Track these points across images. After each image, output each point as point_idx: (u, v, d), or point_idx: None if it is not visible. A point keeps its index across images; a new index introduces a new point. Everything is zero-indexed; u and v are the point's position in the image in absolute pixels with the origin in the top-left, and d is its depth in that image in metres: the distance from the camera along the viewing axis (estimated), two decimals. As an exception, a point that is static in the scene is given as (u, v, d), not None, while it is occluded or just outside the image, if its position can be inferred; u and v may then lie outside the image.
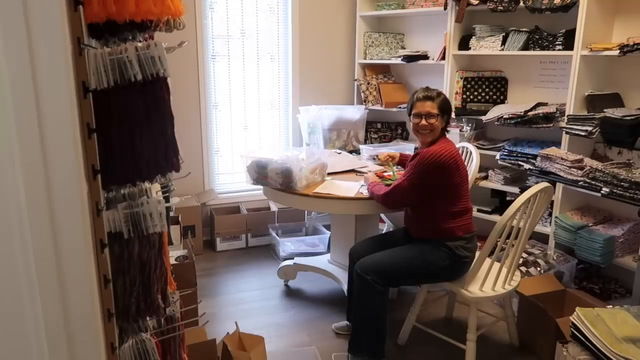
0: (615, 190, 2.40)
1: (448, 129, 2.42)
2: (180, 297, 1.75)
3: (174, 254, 2.68)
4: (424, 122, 2.30)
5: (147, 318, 1.50)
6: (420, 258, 2.29)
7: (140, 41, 1.49)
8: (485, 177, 3.39)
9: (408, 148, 3.29)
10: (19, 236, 0.88)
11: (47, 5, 0.92)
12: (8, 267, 0.87)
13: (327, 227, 3.82)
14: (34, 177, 0.92)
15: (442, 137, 2.34)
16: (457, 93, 3.49)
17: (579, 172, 2.59)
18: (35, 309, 0.93)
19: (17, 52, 0.87)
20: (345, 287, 2.84)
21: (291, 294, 3.21)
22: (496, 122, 3.15)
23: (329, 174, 2.89)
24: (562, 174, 2.67)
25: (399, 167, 2.87)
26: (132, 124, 1.29)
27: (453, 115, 2.92)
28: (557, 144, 2.93)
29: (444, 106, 2.32)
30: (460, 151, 2.45)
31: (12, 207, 0.86)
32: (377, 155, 3.02)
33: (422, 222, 2.35)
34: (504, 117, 3.08)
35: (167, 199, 1.67)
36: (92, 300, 1.09)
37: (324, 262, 3.22)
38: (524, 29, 3.11)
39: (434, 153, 2.21)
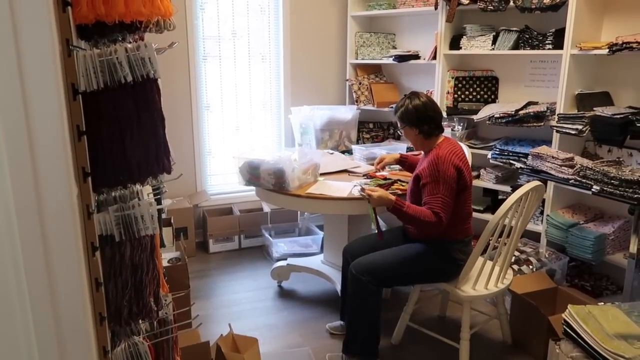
0: (605, 188, 2.42)
1: (443, 131, 2.37)
2: (173, 300, 1.74)
3: (166, 256, 2.67)
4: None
5: (140, 321, 1.49)
6: (415, 260, 2.29)
7: (130, 42, 1.48)
8: (477, 176, 3.40)
9: (400, 148, 3.29)
10: (8, 240, 0.87)
11: (35, 6, 0.91)
12: (-3, 272, 0.85)
13: (320, 228, 3.82)
14: (23, 180, 0.91)
15: (444, 140, 2.32)
16: (448, 93, 3.51)
17: (570, 170, 2.61)
18: (25, 313, 0.92)
19: (4, 54, 0.86)
20: (338, 287, 2.84)
21: (285, 294, 3.21)
22: (487, 121, 3.16)
23: (322, 174, 2.89)
24: (553, 172, 2.69)
25: (391, 170, 2.83)
26: (122, 126, 1.28)
27: (445, 115, 2.89)
28: (548, 142, 2.95)
29: (404, 116, 2.32)
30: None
31: (0, 211, 0.85)
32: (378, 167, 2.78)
33: None
34: (495, 116, 3.09)
35: (158, 201, 1.66)
36: (83, 304, 1.08)
37: (317, 262, 3.21)
38: (514, 29, 3.12)
39: (444, 155, 2.19)
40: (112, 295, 1.38)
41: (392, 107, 3.86)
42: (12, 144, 0.88)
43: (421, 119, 2.28)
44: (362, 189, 2.30)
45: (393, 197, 2.21)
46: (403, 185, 2.67)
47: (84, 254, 1.16)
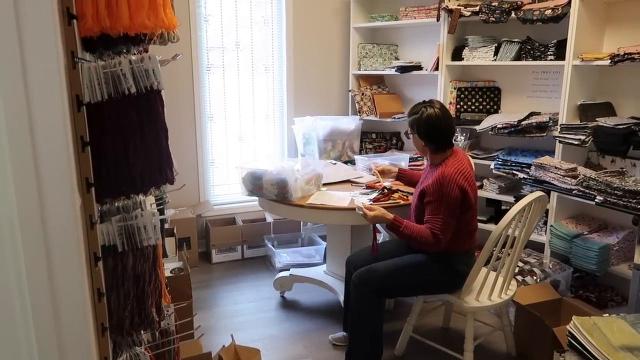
0: (609, 199, 2.41)
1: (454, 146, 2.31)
2: (175, 310, 1.74)
3: (168, 266, 2.67)
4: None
5: (142, 332, 1.49)
6: (418, 271, 2.29)
7: (134, 54, 1.50)
8: (480, 187, 3.40)
9: (403, 158, 3.29)
10: (11, 250, 0.87)
11: (41, 19, 0.93)
12: None
13: (323, 238, 3.81)
14: (27, 190, 0.92)
15: (452, 155, 2.26)
16: (451, 103, 3.52)
17: (573, 180, 2.60)
18: (27, 324, 0.92)
19: (10, 66, 0.87)
20: (341, 298, 2.83)
21: (287, 305, 3.20)
22: (490, 132, 3.17)
23: (324, 184, 2.89)
24: (556, 182, 2.69)
25: (393, 180, 2.82)
26: (126, 137, 1.29)
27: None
28: (551, 153, 2.95)
29: (416, 124, 2.27)
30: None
31: (4, 220, 0.86)
32: (372, 167, 2.96)
33: None
34: (498, 126, 3.10)
35: (161, 211, 1.66)
36: (85, 315, 1.08)
37: (320, 273, 3.20)
38: (516, 40, 3.14)
39: (450, 175, 2.14)
40: (114, 306, 1.38)
41: (394, 118, 3.89)
42: (17, 154, 0.89)
43: (431, 133, 2.23)
44: (360, 208, 2.31)
45: (390, 216, 2.23)
46: (404, 195, 2.67)
47: (87, 264, 1.16)
